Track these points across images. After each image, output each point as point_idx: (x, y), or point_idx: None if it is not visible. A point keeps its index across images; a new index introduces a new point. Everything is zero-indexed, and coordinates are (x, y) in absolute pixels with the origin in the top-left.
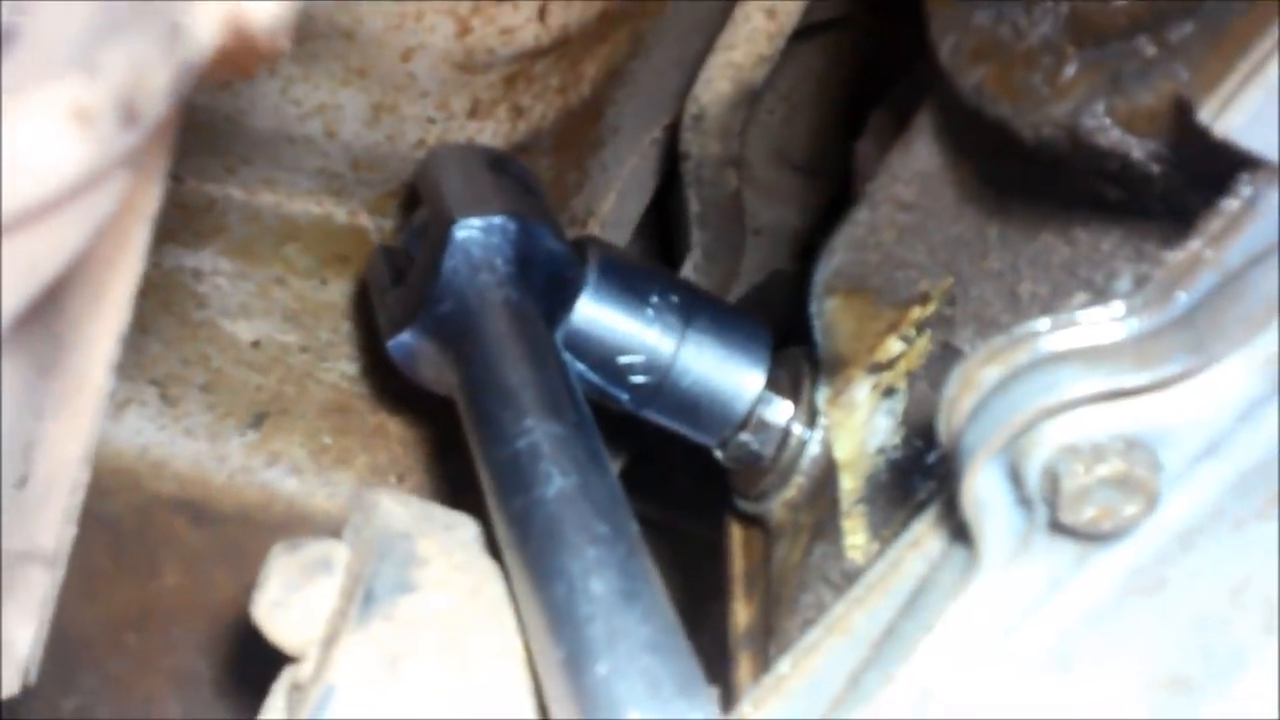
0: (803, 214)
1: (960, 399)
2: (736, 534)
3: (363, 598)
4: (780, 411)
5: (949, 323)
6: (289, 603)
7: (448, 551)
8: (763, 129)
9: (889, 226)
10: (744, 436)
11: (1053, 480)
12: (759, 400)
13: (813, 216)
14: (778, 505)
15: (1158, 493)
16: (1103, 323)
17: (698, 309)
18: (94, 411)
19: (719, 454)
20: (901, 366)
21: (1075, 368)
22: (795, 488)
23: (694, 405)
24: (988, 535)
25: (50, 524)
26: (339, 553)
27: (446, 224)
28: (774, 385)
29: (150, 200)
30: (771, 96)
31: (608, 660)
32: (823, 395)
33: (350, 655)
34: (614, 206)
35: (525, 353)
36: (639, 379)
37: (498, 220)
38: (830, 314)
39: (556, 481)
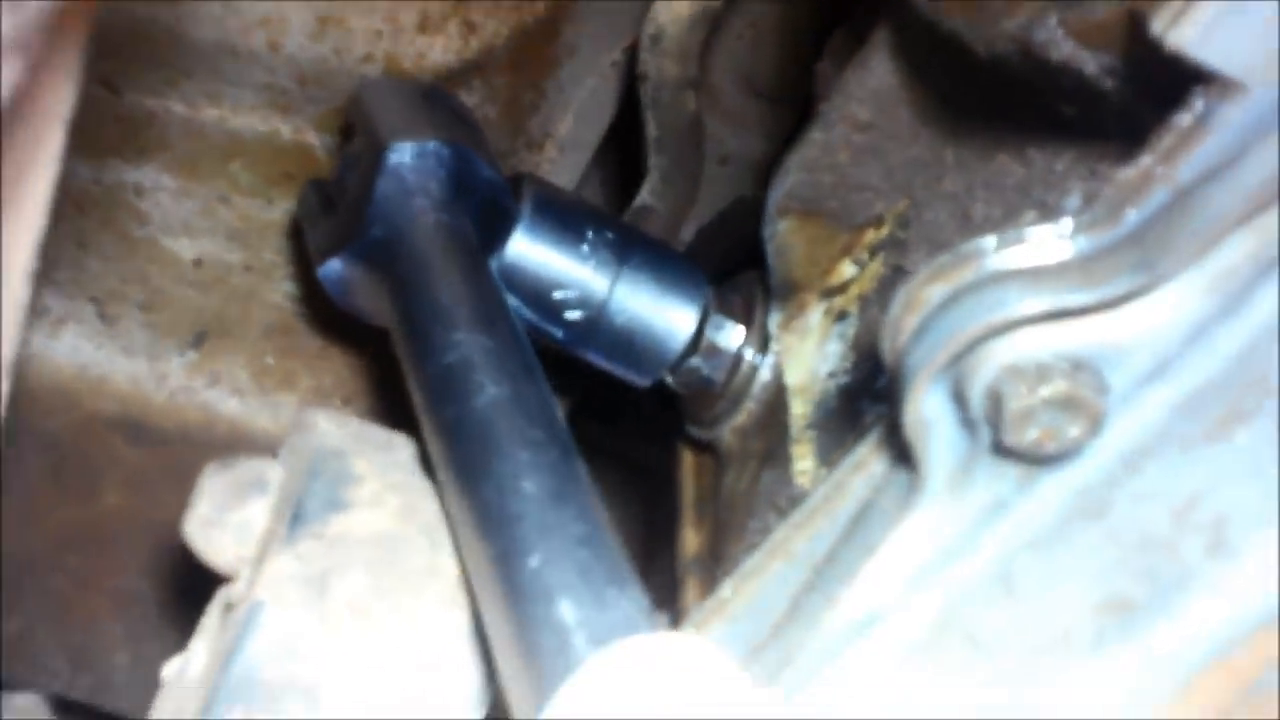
0: (770, 142)
1: (904, 318)
2: (688, 460)
3: (292, 516)
4: (732, 336)
5: (902, 246)
6: (221, 522)
7: (382, 470)
8: (730, 56)
9: (844, 147)
10: (695, 361)
11: (996, 401)
12: (710, 325)
13: (779, 146)
14: (728, 431)
15: (1103, 414)
16: (1050, 241)
17: (633, 248)
18: (13, 322)
19: (670, 380)
20: (854, 290)
21: (1020, 286)
22: (746, 413)
23: (628, 343)
24: (930, 458)
25: None
26: (273, 472)
27: (380, 149)
28: (726, 309)
29: (63, 103)
30: (739, 22)
31: (539, 553)
32: (775, 320)
33: (277, 573)
34: (571, 129)
35: (456, 270)
36: (573, 315)
37: (431, 145)
38: (783, 236)
39: (489, 391)
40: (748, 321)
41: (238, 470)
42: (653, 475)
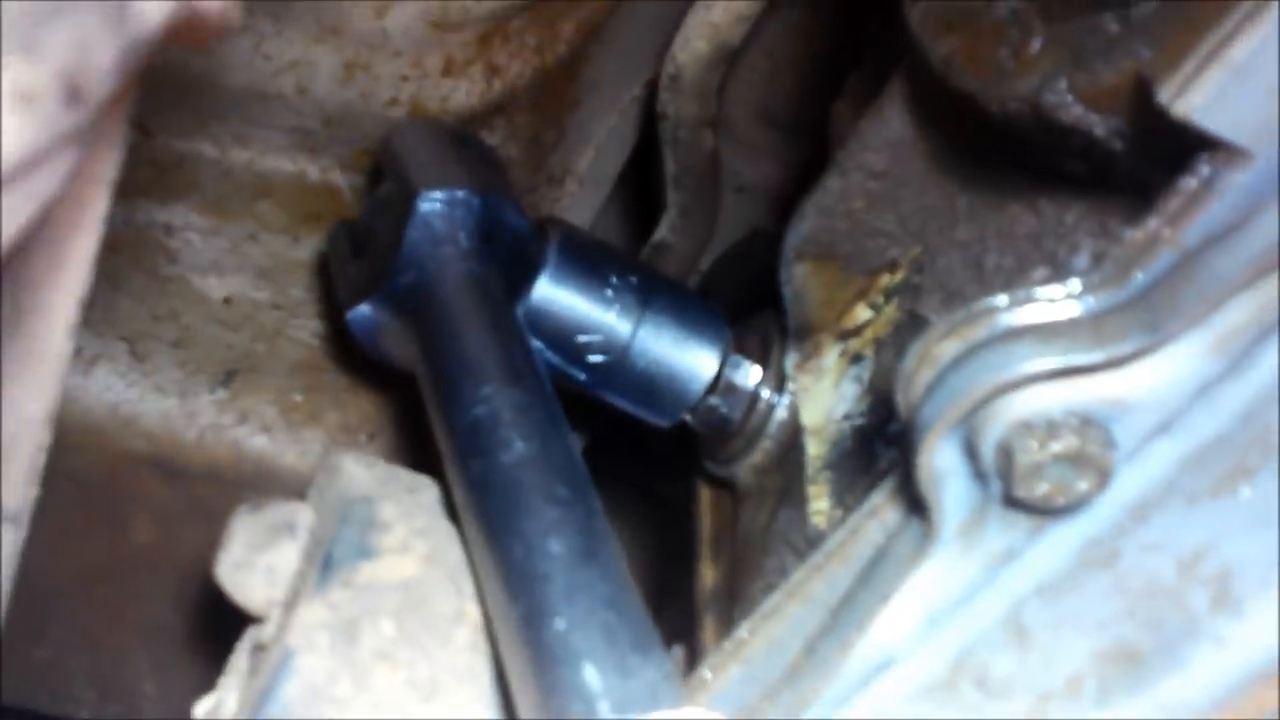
0: (785, 172)
1: (918, 373)
2: (705, 496)
3: (322, 563)
4: (749, 376)
5: (916, 291)
6: (251, 564)
7: (409, 515)
8: (746, 87)
9: (859, 194)
10: (713, 400)
11: (1007, 456)
12: (728, 364)
13: (795, 175)
14: (745, 469)
15: (1111, 469)
16: (1060, 300)
17: (656, 292)
18: (55, 373)
19: (688, 418)
20: (869, 334)
21: (1030, 344)
22: (762, 452)
23: (650, 386)
24: (943, 508)
25: (13, 484)
26: (302, 515)
27: (410, 196)
28: (743, 349)
29: (109, 168)
30: (755, 53)
31: (565, 615)
32: (791, 361)
33: (308, 621)
34: (591, 164)
35: (485, 322)
36: (596, 358)
37: (461, 194)
38: (800, 280)
39: (516, 446)
40: (764, 361)
41: (267, 514)
42: (671, 506)
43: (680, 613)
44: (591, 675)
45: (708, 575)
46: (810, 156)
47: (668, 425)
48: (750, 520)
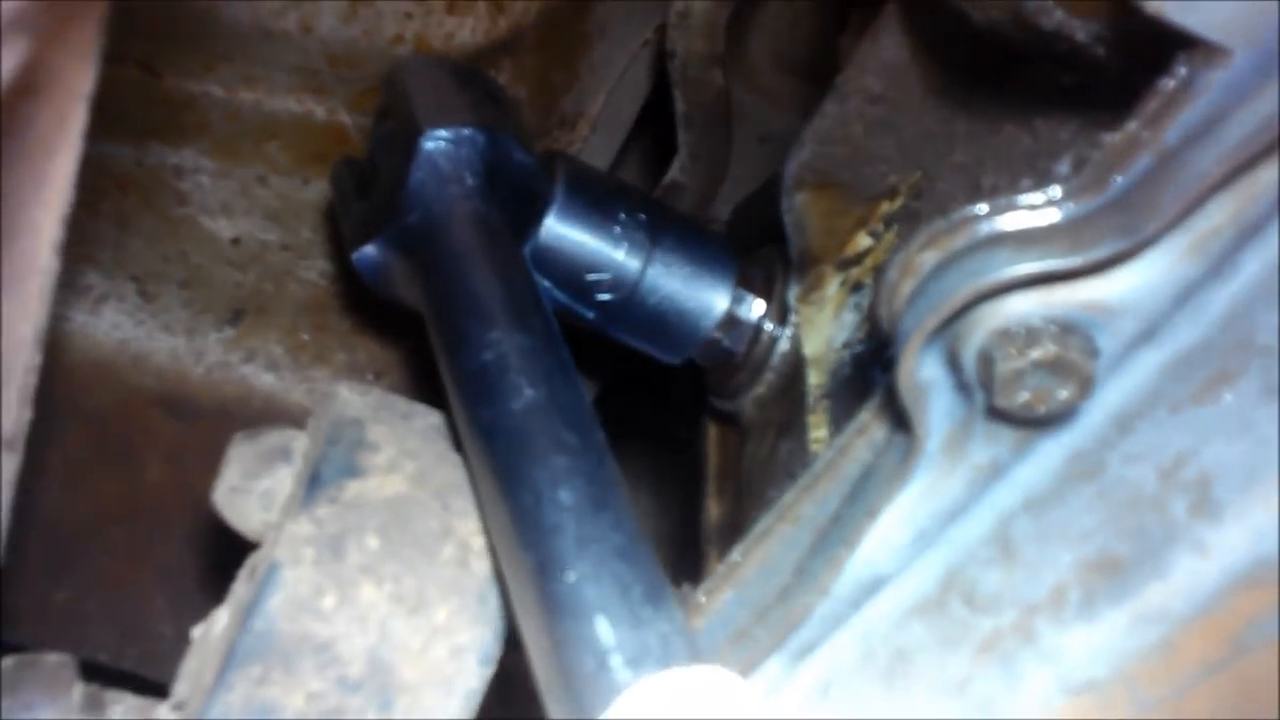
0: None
1: (899, 284)
2: (713, 432)
3: (310, 481)
4: (753, 309)
5: (916, 217)
6: (247, 489)
7: (400, 438)
8: (767, 34)
9: (857, 120)
10: (717, 334)
11: (988, 364)
12: (732, 298)
13: None
14: (749, 402)
15: (1092, 377)
16: (1040, 206)
17: (665, 228)
18: (42, 293)
19: (692, 353)
20: (869, 262)
21: (1010, 251)
22: (766, 384)
23: (660, 324)
24: (927, 421)
25: (8, 407)
26: (298, 441)
27: (414, 135)
28: (747, 282)
29: (83, 80)
30: (775, 2)
31: (577, 567)
32: (794, 292)
33: (294, 535)
34: (605, 108)
35: (492, 264)
36: (605, 296)
37: (467, 132)
38: (800, 209)
39: (525, 393)
40: (768, 294)
41: (264, 440)
42: (687, 448)
43: (694, 554)
44: (604, 628)
45: (713, 510)
46: None
47: (678, 361)
48: (754, 453)
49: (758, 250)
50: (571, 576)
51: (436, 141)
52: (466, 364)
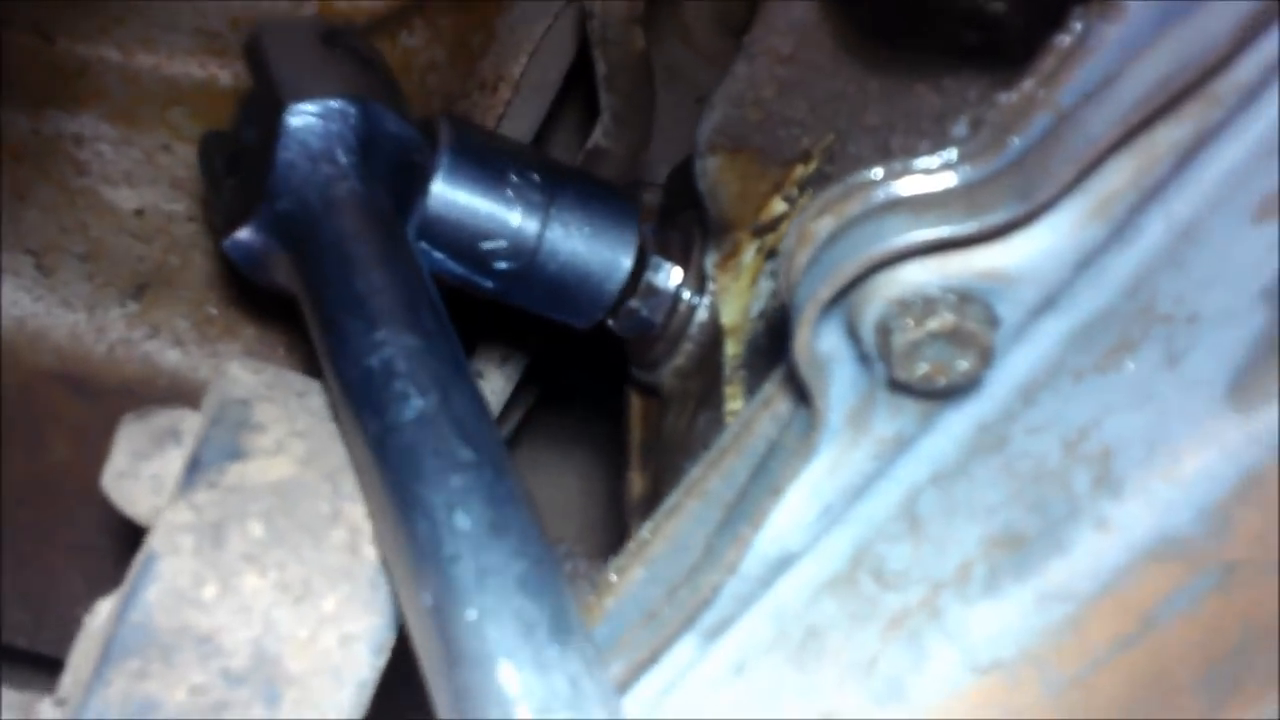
0: None
1: (796, 252)
2: (636, 404)
3: (189, 465)
4: (670, 277)
5: (829, 180)
6: (136, 473)
7: (290, 417)
8: None
9: (768, 81)
10: (633, 303)
11: (885, 335)
12: (649, 266)
13: None
14: (669, 373)
15: (992, 347)
16: (936, 170)
17: (560, 186)
18: None
19: (610, 323)
20: (784, 228)
21: (904, 217)
22: (684, 355)
23: (563, 289)
24: (828, 395)
25: None
26: (189, 421)
27: (278, 109)
28: (665, 250)
29: None
30: None
31: (477, 603)
32: (711, 259)
33: (172, 523)
34: (527, 70)
35: (374, 254)
36: (503, 265)
37: (336, 104)
38: (713, 174)
39: (414, 403)
40: (685, 262)
41: (153, 421)
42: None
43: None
44: (508, 674)
45: (636, 483)
46: None
47: (586, 327)
48: (673, 425)
49: (678, 215)
50: (472, 614)
51: (303, 117)
52: (349, 370)
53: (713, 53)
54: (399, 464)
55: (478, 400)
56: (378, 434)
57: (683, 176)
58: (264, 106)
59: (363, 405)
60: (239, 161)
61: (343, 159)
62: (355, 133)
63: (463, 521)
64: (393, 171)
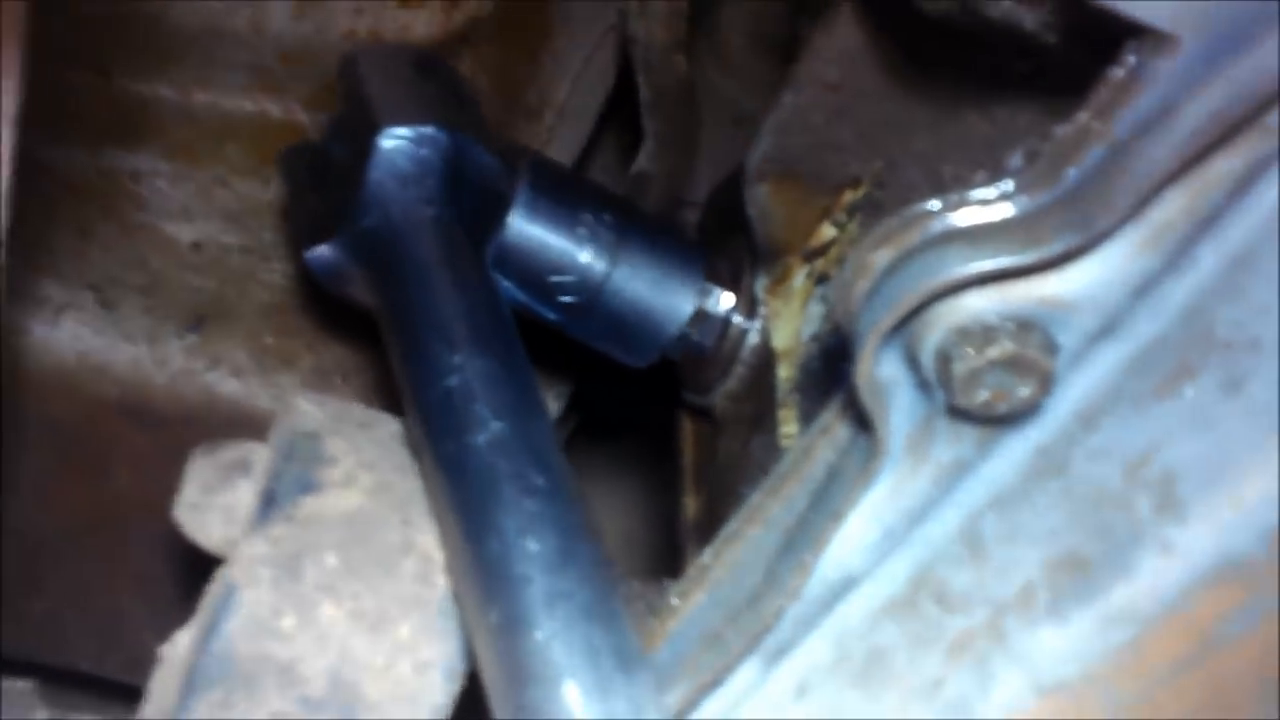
0: None
1: (855, 283)
2: (688, 427)
3: (264, 499)
4: (721, 302)
5: (879, 206)
6: (208, 504)
7: (357, 449)
8: (739, 15)
9: (817, 108)
10: (686, 328)
11: (945, 363)
12: (700, 292)
13: None
14: (722, 397)
15: (1052, 373)
16: (993, 201)
17: (631, 230)
18: None
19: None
20: (834, 252)
21: (963, 248)
22: (737, 379)
23: (623, 327)
24: (888, 421)
25: None
26: (258, 454)
27: (372, 131)
28: (715, 275)
29: (9, 100)
30: None
31: (544, 627)
32: (761, 284)
33: (250, 555)
34: (570, 97)
35: (455, 278)
36: (568, 298)
37: (428, 130)
38: (763, 201)
39: (491, 426)
40: (736, 287)
41: (223, 454)
42: (665, 440)
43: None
44: (573, 695)
45: (690, 506)
46: None
47: (642, 365)
48: (727, 448)
49: (728, 239)
50: (539, 636)
51: (396, 140)
52: (428, 389)
53: (748, 75)
54: (473, 485)
55: (550, 428)
56: (453, 454)
57: (723, 196)
58: (356, 126)
59: (439, 425)
60: (324, 176)
61: (430, 184)
62: (444, 159)
63: (533, 545)
64: (475, 200)
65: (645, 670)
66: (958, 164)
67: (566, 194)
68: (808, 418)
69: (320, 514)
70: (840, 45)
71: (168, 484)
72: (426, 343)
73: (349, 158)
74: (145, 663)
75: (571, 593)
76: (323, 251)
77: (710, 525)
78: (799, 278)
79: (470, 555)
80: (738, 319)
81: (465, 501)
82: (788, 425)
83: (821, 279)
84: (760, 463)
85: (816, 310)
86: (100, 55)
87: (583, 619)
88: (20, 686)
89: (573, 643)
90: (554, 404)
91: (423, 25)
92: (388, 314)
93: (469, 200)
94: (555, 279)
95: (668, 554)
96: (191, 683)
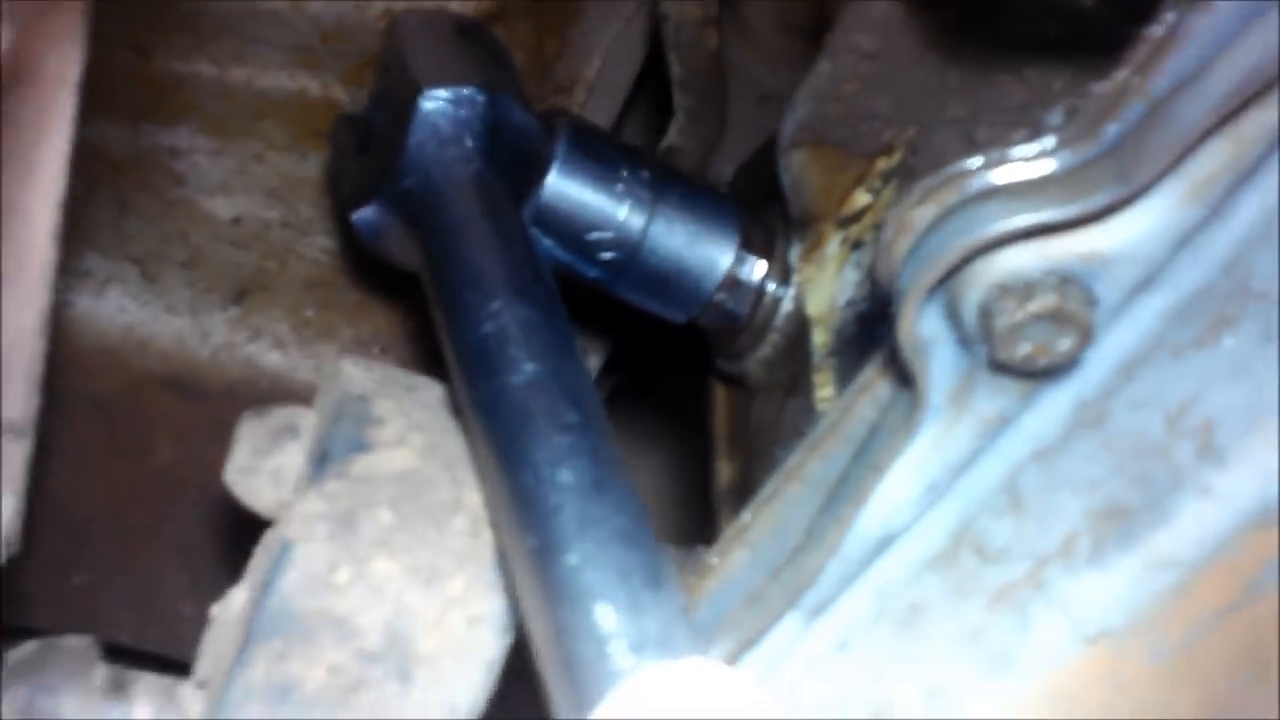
0: None
1: (896, 241)
2: (720, 394)
3: (318, 458)
4: (754, 270)
5: (913, 172)
6: (257, 468)
7: (405, 411)
8: None
9: (851, 77)
10: (720, 296)
11: (987, 318)
12: (734, 260)
13: None
14: (755, 364)
15: (1092, 326)
16: (1033, 157)
17: (668, 186)
18: (43, 282)
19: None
20: (868, 219)
21: (1003, 203)
22: (771, 345)
23: (662, 282)
24: (929, 376)
25: (16, 395)
26: (305, 417)
27: (413, 94)
28: (748, 243)
29: (71, 68)
30: None
31: (577, 549)
32: (795, 251)
33: (306, 512)
34: (600, 73)
35: (493, 231)
36: (607, 255)
37: (466, 92)
38: (797, 168)
39: (526, 368)
40: (769, 254)
41: (271, 418)
42: (697, 408)
43: (705, 516)
44: (604, 614)
45: (724, 472)
46: None
47: (683, 320)
48: (761, 414)
49: (759, 210)
50: (572, 559)
51: (436, 102)
52: (465, 335)
53: (774, 51)
54: (508, 423)
55: (584, 371)
56: (489, 396)
57: (750, 173)
58: (397, 91)
59: (477, 369)
60: (368, 143)
61: (469, 143)
62: (482, 120)
63: (567, 476)
64: (513, 159)
65: (675, 591)
66: (991, 128)
67: (604, 152)
68: (845, 381)
69: (373, 472)
70: (876, 14)
71: (209, 456)
72: (465, 292)
73: (391, 123)
74: (184, 636)
75: (604, 519)
76: (367, 213)
77: (744, 490)
78: (833, 245)
79: (506, 489)
80: (771, 286)
81: (500, 439)
82: (823, 389)
83: (856, 245)
84: (795, 427)
85: (851, 276)
86: (140, 34)
87: (614, 542)
88: (77, 643)
89: (604, 565)
90: (593, 361)
91: (457, 3)
92: (429, 269)
93: (508, 159)
94: (594, 236)
95: (701, 524)
96: (249, 635)
